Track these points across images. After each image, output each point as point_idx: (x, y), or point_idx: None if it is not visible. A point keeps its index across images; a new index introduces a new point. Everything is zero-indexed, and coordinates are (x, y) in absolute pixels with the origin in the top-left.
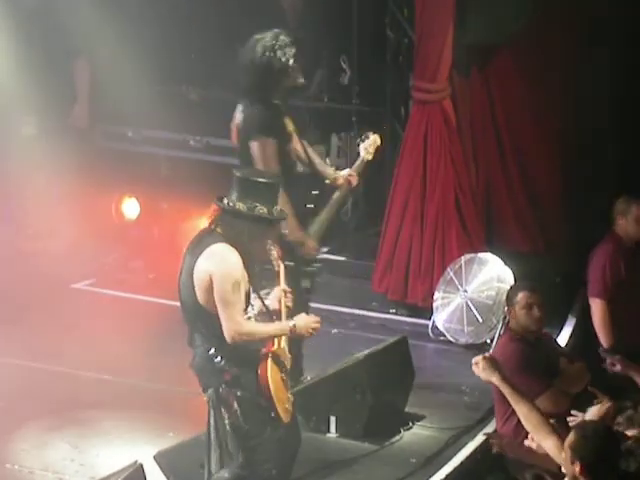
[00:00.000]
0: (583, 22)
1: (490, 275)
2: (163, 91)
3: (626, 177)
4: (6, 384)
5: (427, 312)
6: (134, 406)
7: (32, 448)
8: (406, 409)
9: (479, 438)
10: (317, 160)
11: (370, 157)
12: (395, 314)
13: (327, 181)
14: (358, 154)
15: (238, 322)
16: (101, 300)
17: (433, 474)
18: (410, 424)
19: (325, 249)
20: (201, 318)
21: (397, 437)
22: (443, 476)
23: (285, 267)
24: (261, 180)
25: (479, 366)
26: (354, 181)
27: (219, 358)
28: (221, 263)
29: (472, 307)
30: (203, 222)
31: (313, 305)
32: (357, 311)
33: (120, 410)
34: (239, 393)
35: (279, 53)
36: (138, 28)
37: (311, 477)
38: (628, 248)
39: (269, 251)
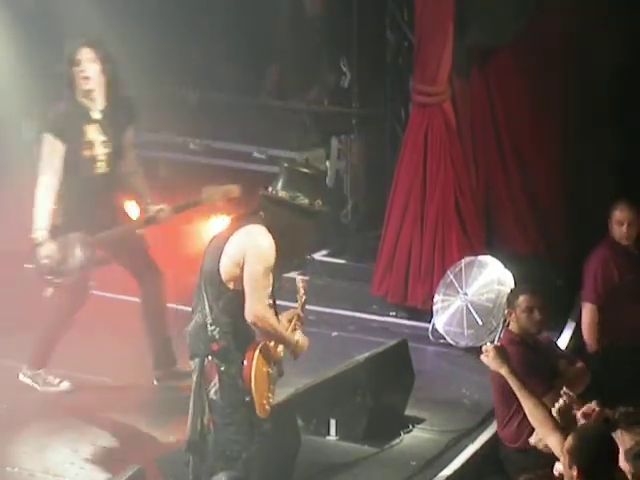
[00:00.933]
0: (583, 22)
1: (490, 278)
2: (162, 93)
3: (627, 178)
4: (7, 387)
5: (427, 315)
6: (134, 409)
7: (33, 451)
8: (406, 412)
9: (479, 441)
10: (137, 182)
11: (217, 203)
12: (395, 317)
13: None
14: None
15: (264, 307)
16: (101, 303)
17: (433, 477)
18: (410, 427)
19: (325, 252)
20: (213, 285)
21: (397, 440)
22: (443, 479)
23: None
24: (306, 171)
25: (489, 355)
26: (162, 219)
27: (213, 327)
28: (257, 244)
29: (472, 310)
30: (204, 225)
31: (313, 308)
32: (357, 314)
33: (121, 413)
34: (222, 368)
35: (68, 62)
36: (137, 30)
37: None
38: (623, 251)
39: (298, 282)
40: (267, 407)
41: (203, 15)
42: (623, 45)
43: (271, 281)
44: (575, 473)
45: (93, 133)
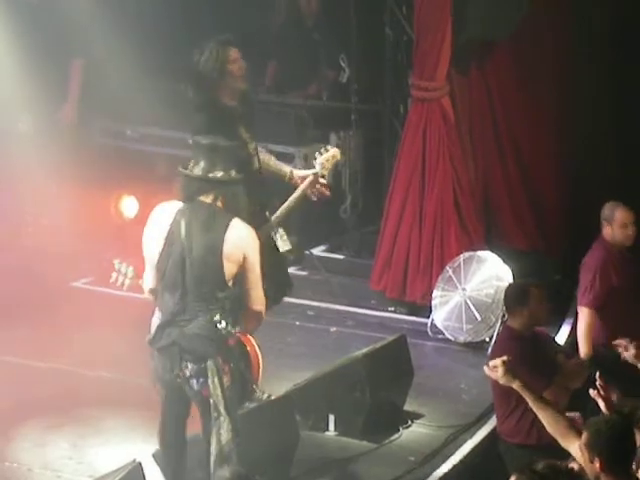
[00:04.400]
0: (582, 18)
1: (489, 273)
2: (162, 89)
3: (626, 174)
4: (5, 382)
5: (426, 310)
6: (133, 404)
7: (31, 446)
8: (405, 407)
9: (478, 436)
10: (272, 161)
11: (326, 172)
12: (394, 312)
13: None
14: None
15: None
16: (100, 298)
17: (432, 472)
18: (409, 422)
19: (323, 247)
20: (214, 285)
21: (396, 435)
22: (442, 474)
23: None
24: (225, 144)
25: (499, 371)
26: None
27: (224, 324)
28: (251, 240)
29: (471, 305)
30: None
31: (311, 303)
32: (355, 309)
33: (119, 408)
34: (232, 365)
35: (218, 60)
36: (137, 25)
37: (309, 475)
38: (618, 253)
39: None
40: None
41: (202, 10)
42: (622, 39)
43: None
44: (597, 465)
45: (244, 132)
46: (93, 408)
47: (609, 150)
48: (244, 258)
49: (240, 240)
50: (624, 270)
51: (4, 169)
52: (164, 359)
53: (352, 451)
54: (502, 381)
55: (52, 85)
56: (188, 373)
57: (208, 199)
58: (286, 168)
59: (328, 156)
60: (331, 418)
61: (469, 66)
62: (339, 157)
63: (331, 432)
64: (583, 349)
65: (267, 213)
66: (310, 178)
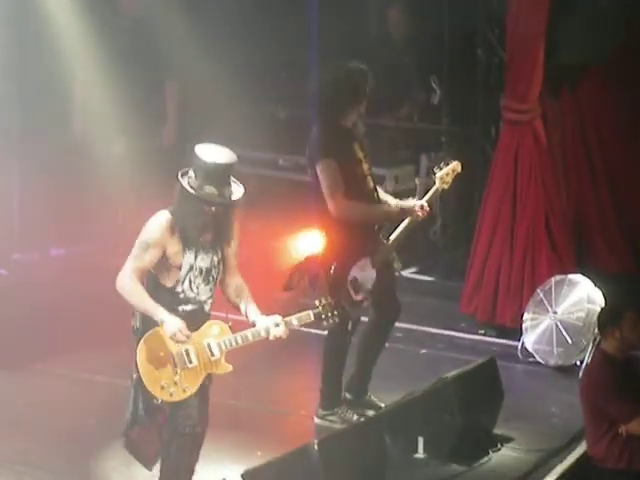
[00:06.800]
0: None
1: (580, 296)
2: (252, 110)
3: None
4: (95, 401)
5: (516, 333)
6: (220, 425)
7: (120, 465)
8: (494, 430)
9: (568, 461)
10: (379, 191)
11: (446, 186)
12: (484, 335)
13: None
14: (433, 182)
15: (124, 272)
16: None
17: None
18: (498, 446)
19: (414, 269)
20: None
21: (485, 459)
22: None
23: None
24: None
25: None
26: (422, 214)
27: None
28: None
29: (562, 328)
30: (293, 241)
31: (401, 325)
32: (445, 331)
33: (207, 429)
34: None
35: (359, 81)
36: (229, 48)
37: None
38: None
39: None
40: (170, 390)
41: (295, 33)
42: None
43: (149, 257)
44: None
45: (358, 151)
46: None
47: None
48: None
49: None
50: None
51: (98, 190)
52: None
53: (441, 474)
54: None
55: (147, 107)
56: None
57: None
58: (391, 201)
59: (448, 170)
60: (420, 440)
61: (561, 88)
62: (459, 170)
63: (420, 455)
64: None
65: (381, 235)
66: (415, 207)
